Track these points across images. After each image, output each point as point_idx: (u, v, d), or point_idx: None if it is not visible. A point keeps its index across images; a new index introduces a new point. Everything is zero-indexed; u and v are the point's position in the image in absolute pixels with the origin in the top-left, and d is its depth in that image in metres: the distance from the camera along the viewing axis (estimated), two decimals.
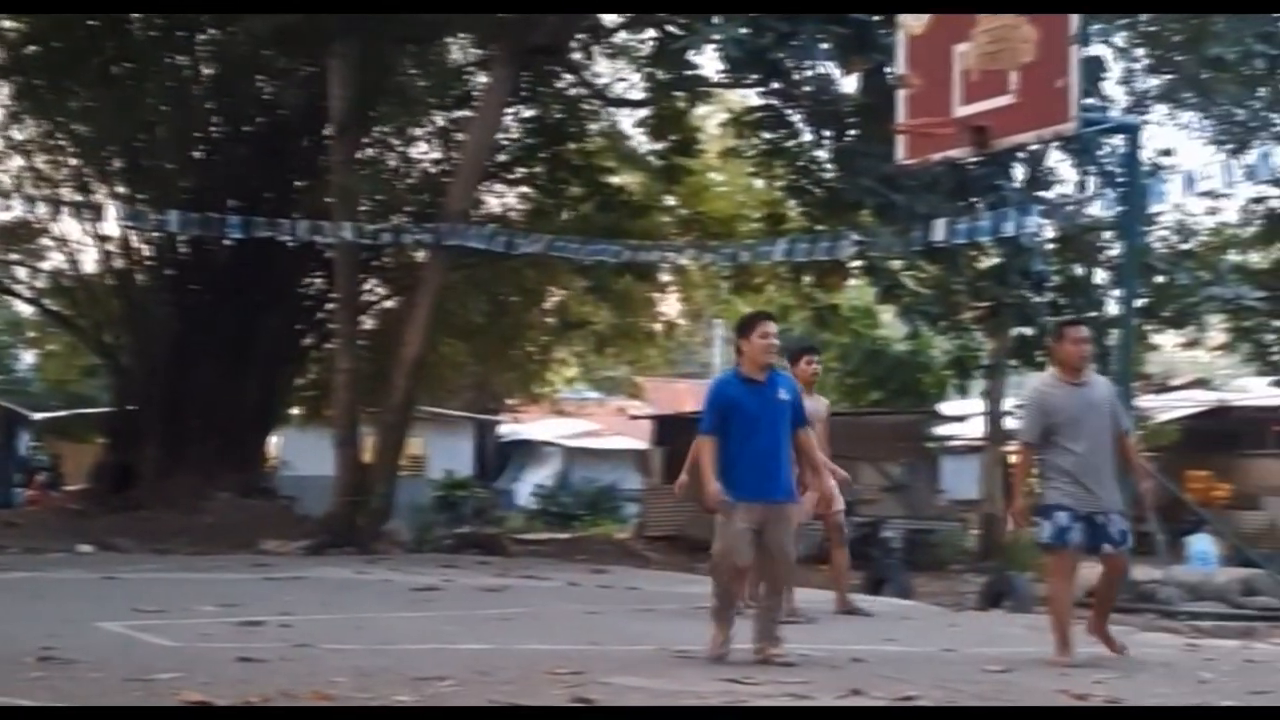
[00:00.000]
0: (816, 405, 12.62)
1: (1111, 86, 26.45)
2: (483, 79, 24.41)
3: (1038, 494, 9.77)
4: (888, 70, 17.52)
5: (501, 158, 26.47)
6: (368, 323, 28.47)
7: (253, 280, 25.58)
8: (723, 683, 8.09)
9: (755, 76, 19.99)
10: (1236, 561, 18.53)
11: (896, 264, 21.19)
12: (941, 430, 31.10)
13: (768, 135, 22.02)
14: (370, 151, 26.58)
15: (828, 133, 21.09)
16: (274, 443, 31.79)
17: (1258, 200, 30.74)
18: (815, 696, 7.78)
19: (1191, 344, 32.70)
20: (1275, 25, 23.93)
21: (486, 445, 42.18)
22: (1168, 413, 30.94)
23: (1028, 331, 22.52)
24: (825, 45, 19.03)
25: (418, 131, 27.37)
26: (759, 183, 25.65)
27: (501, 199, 28.72)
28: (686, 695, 7.68)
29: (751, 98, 22.61)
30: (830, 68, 20.39)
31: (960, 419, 31.40)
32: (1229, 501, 31.12)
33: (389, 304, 29.31)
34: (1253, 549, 19.39)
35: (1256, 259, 31.83)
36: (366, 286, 27.43)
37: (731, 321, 36.59)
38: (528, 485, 41.06)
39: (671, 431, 31.10)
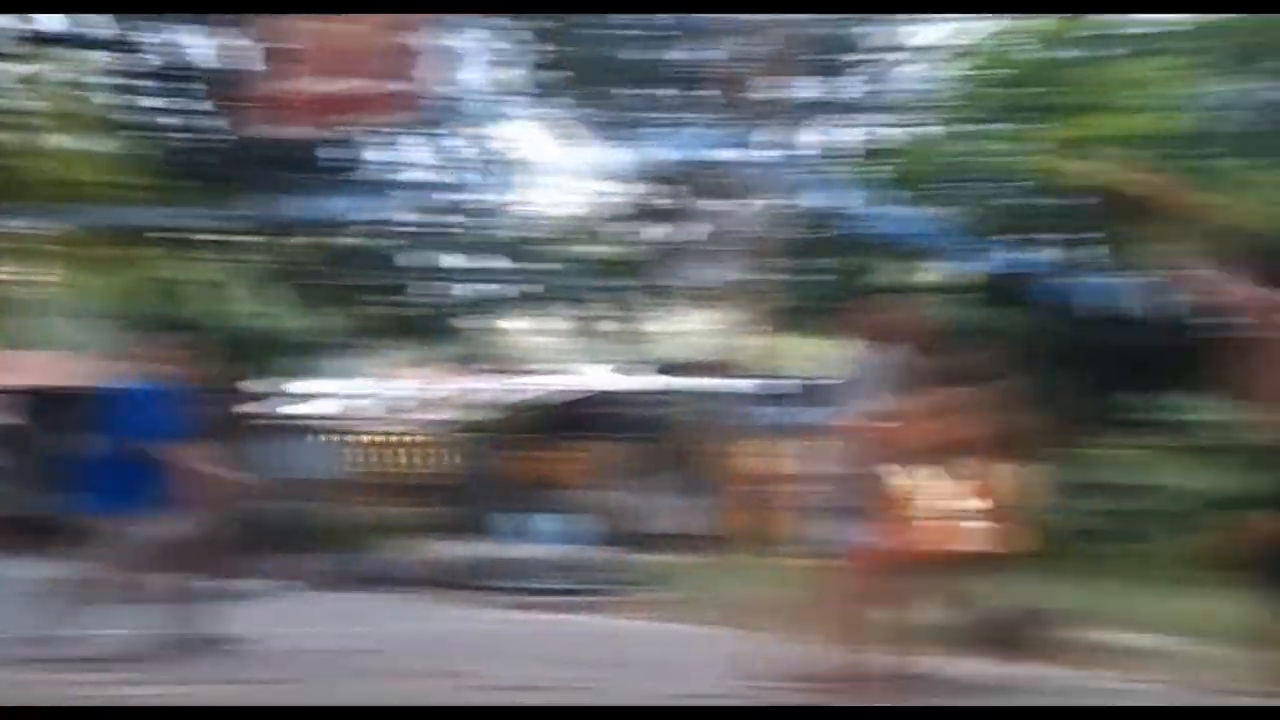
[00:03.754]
0: None
1: (472, 77, 27.03)
2: None
3: None
4: (243, 40, 17.23)
5: None
6: None
7: None
8: None
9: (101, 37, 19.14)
10: (581, 540, 19.28)
11: (248, 239, 20.86)
12: (289, 409, 30.88)
13: (112, 99, 21.20)
14: None
15: (178, 101, 20.49)
16: None
17: (605, 194, 32.15)
18: None
19: (543, 331, 33.85)
20: (615, 27, 25.07)
21: None
22: (520, 396, 31.81)
23: (380, 312, 22.72)
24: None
25: None
26: (103, 148, 24.63)
27: None
28: None
29: (98, 57, 21.64)
30: (183, 33, 19.86)
31: (308, 398, 31.25)
32: (574, 482, 32.41)
33: None
34: (597, 528, 20.20)
35: (602, 250, 33.26)
36: None
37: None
38: None
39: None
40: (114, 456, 9.52)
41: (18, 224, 22.28)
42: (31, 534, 22.18)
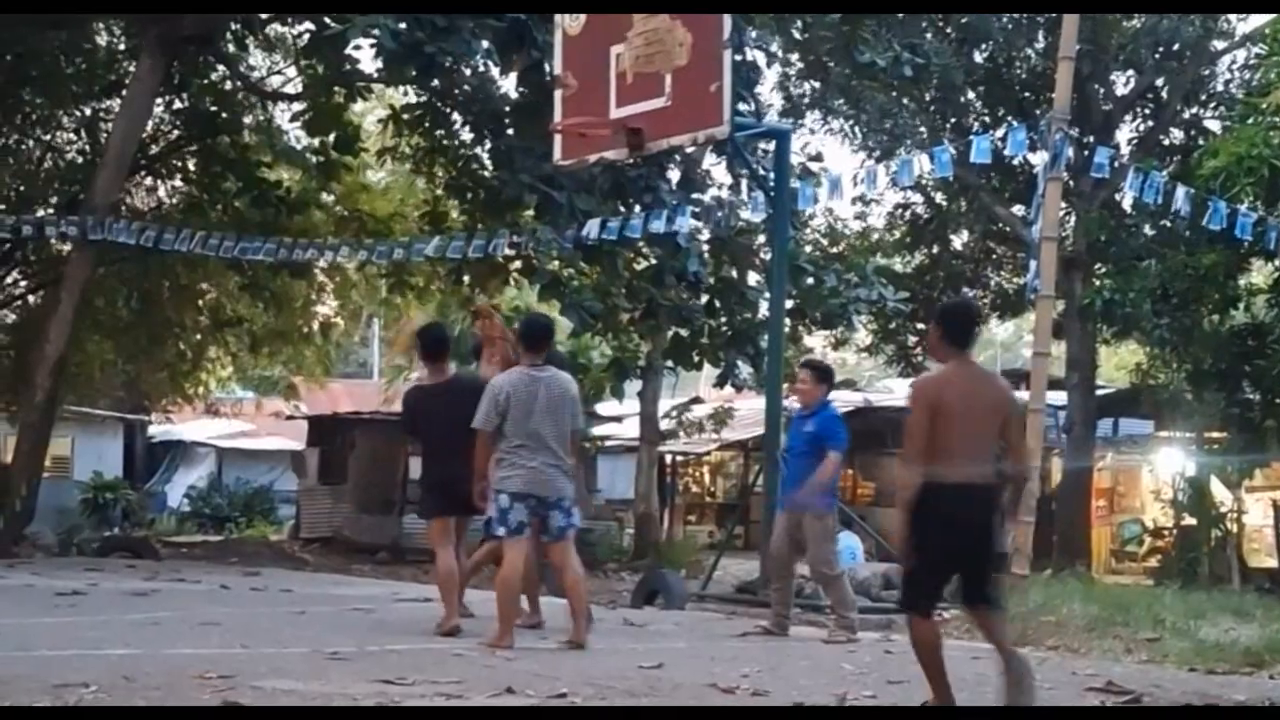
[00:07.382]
0: None
1: (766, 91, 27.17)
2: (131, 67, 23.56)
3: None
4: (545, 69, 17.58)
5: (152, 149, 25.63)
6: (8, 317, 27.31)
7: None
8: (376, 684, 7.98)
9: (413, 73, 19.68)
10: (879, 557, 19.11)
11: (555, 264, 21.23)
12: (598, 431, 31.40)
13: (428, 132, 21.83)
14: (12, 139, 25.49)
15: (487, 131, 20.98)
16: None
17: (903, 206, 31.90)
18: (468, 696, 7.75)
19: (840, 345, 33.75)
20: (922, 36, 24.81)
21: (136, 446, 40.93)
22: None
23: (683, 332, 22.89)
24: (482, 42, 18.95)
25: (63, 119, 26.30)
26: (419, 181, 25.42)
27: (152, 192, 27.84)
28: (339, 697, 7.56)
29: (410, 95, 22.31)
30: (489, 65, 20.33)
31: (616, 419, 31.75)
32: (873, 499, 32.22)
33: (31, 299, 28.14)
34: (893, 545, 20.02)
35: (900, 262, 32.98)
36: (7, 280, 26.32)
37: (390, 320, 36.41)
38: (180, 487, 40.03)
39: (327, 432, 30.75)
40: None
41: (340, 258, 23.11)
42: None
